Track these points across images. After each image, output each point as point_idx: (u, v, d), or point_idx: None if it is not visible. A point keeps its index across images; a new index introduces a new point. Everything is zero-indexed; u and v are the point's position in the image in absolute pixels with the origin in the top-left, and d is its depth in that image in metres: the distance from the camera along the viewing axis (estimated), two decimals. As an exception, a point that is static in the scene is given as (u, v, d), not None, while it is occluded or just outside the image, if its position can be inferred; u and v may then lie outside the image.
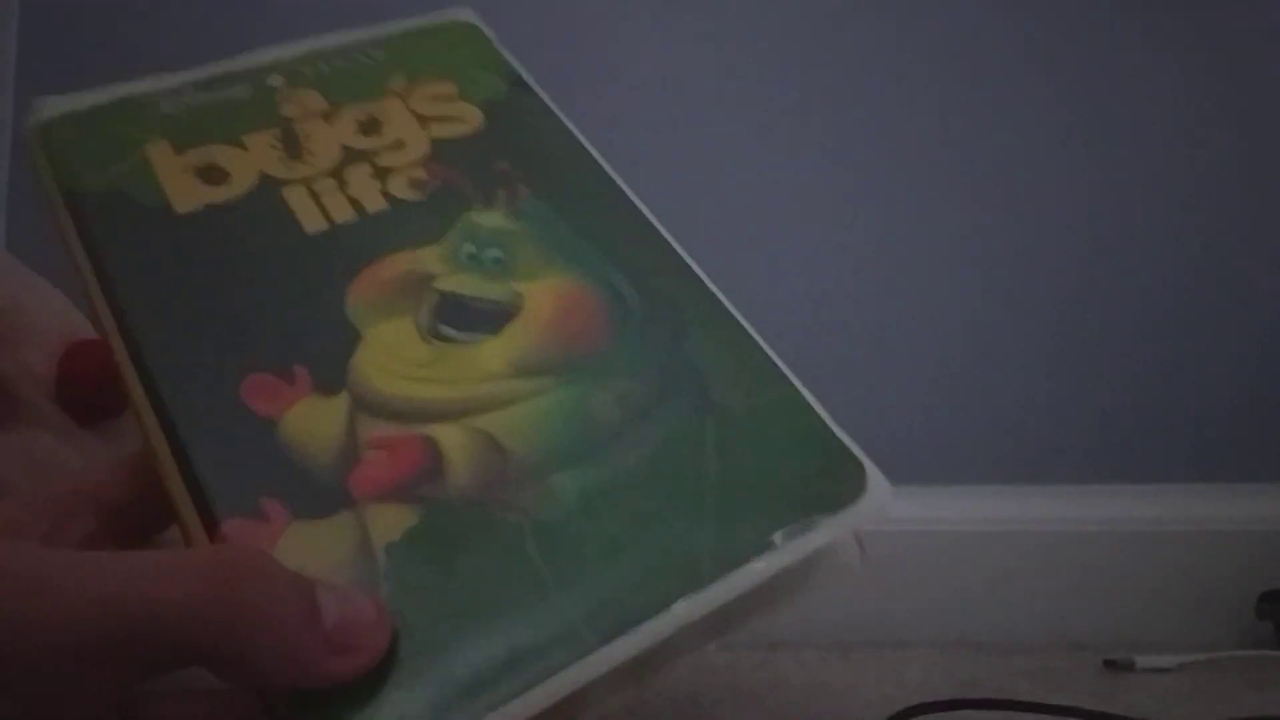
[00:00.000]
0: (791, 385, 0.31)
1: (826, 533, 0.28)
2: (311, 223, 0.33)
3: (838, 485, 0.28)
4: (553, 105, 0.38)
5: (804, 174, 0.84)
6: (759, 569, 0.27)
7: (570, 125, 0.37)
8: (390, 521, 0.26)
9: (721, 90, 0.83)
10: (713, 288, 0.33)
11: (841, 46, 0.84)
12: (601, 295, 0.32)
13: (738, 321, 0.32)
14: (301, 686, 0.22)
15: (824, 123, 0.84)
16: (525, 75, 0.38)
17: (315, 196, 0.33)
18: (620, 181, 0.36)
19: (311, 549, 0.25)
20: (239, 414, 0.28)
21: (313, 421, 0.28)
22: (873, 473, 0.29)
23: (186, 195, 0.33)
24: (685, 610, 0.25)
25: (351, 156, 0.34)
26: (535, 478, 0.28)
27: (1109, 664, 0.79)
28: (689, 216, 0.81)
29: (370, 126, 0.36)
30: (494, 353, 0.30)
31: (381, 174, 0.34)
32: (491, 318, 0.31)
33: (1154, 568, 0.83)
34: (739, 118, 0.84)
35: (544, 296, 0.32)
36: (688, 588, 0.26)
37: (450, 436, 0.28)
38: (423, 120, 0.36)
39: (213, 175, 0.33)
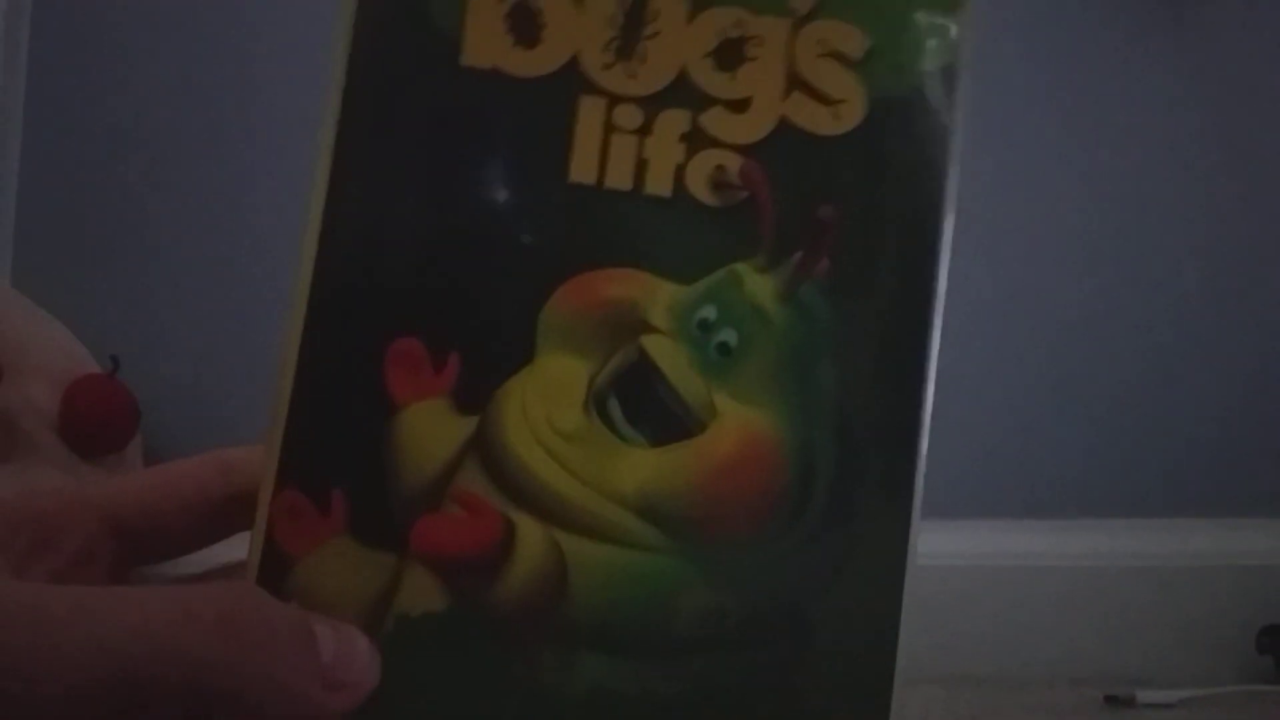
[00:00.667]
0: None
1: None
2: (582, 167, 0.26)
3: None
4: (958, 140, 0.27)
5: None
6: None
7: (954, 189, 0.27)
8: (420, 593, 0.25)
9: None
10: (913, 518, 0.28)
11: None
12: (790, 473, 0.26)
13: (898, 581, 0.27)
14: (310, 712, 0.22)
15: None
16: (964, 66, 0.27)
17: (608, 129, 0.26)
18: (937, 312, 0.26)
19: (342, 572, 0.24)
20: (367, 376, 0.25)
21: (431, 430, 0.25)
22: None
23: (483, 43, 0.26)
24: None
25: (680, 93, 0.26)
26: (569, 640, 0.25)
27: (1110, 699, 0.78)
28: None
29: (730, 54, 0.26)
30: (637, 469, 0.25)
31: (692, 141, 0.26)
32: (666, 423, 0.26)
33: (1155, 603, 0.83)
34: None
35: (733, 431, 0.26)
36: None
37: (531, 536, 0.25)
38: (793, 82, 0.26)
39: (525, 27, 0.26)
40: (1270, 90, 0.86)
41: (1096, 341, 0.86)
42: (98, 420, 0.69)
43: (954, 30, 0.26)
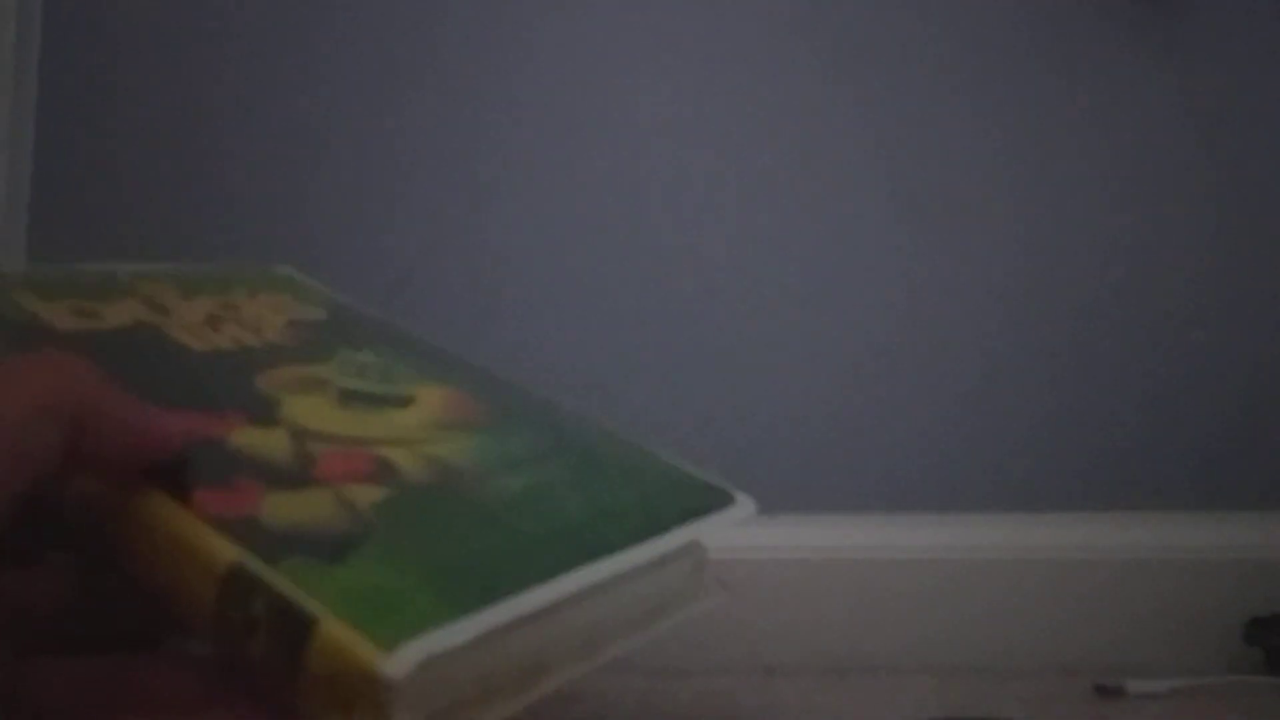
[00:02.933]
0: (659, 451, 0.38)
1: (713, 524, 0.35)
2: (198, 345, 0.37)
3: (711, 501, 0.36)
4: (379, 316, 0.44)
5: (813, 203, 0.86)
6: (673, 538, 0.33)
7: (400, 326, 0.44)
8: (364, 493, 0.30)
9: (744, 119, 0.85)
10: (544, 397, 0.40)
11: (853, 86, 0.86)
12: (479, 397, 0.39)
13: (592, 418, 0.39)
14: (158, 446, 0.27)
15: (834, 150, 0.86)
16: (343, 300, 0.45)
17: (192, 332, 0.38)
18: (456, 353, 0.43)
19: (296, 506, 0.29)
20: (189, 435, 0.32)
21: (258, 438, 0.32)
22: (741, 496, 0.37)
23: (63, 320, 0.36)
24: (629, 557, 0.31)
25: (218, 319, 0.39)
26: (482, 478, 0.33)
27: (1100, 689, 0.80)
28: (690, 239, 0.83)
29: (228, 306, 0.41)
30: (406, 418, 0.36)
31: (251, 327, 0.39)
32: (392, 402, 0.37)
33: (1145, 594, 0.84)
34: (756, 147, 0.86)
35: (432, 395, 0.38)
36: (628, 541, 0.31)
37: (397, 454, 0.33)
38: (275, 309, 0.42)
39: (86, 312, 0.37)
40: (1262, 91, 0.87)
41: (1092, 338, 0.87)
42: None
43: None
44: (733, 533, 0.35)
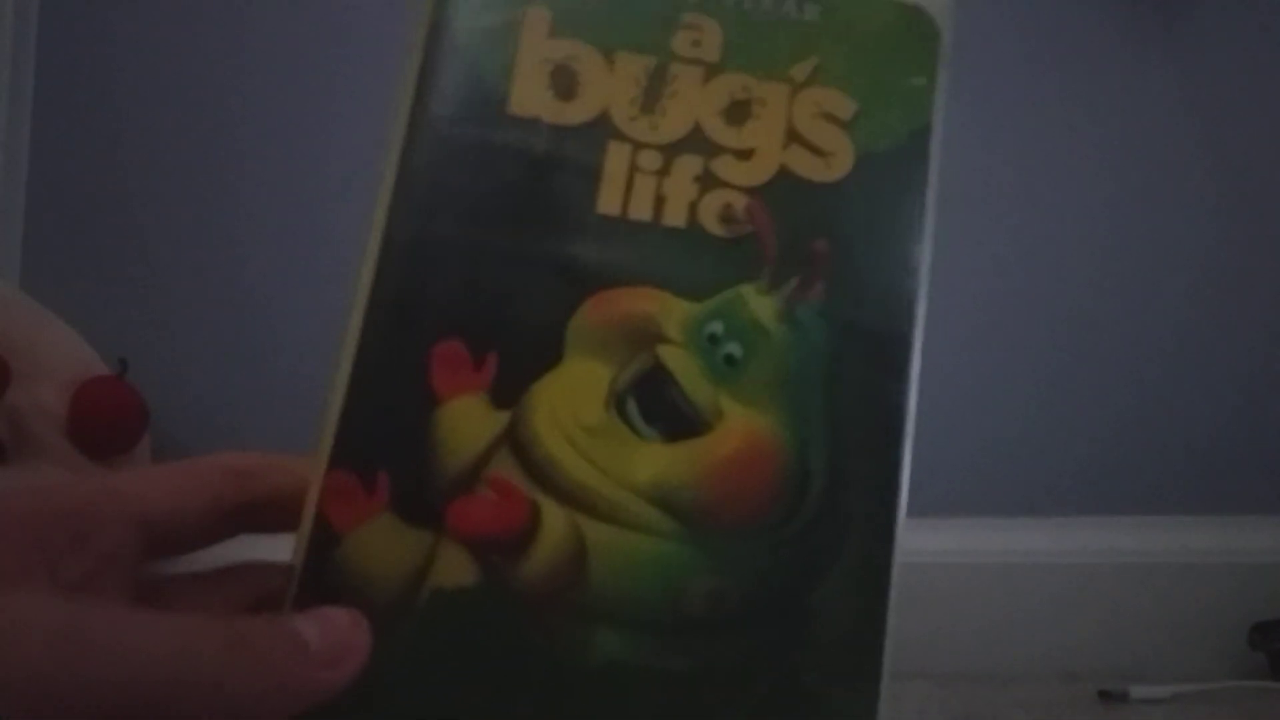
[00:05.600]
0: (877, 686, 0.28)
1: None
2: (609, 201, 0.30)
3: None
4: (934, 188, 0.31)
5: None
6: None
7: (929, 228, 0.31)
8: (454, 568, 0.27)
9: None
10: (898, 515, 0.30)
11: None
12: (788, 470, 0.29)
13: (886, 572, 0.29)
14: (304, 706, 0.25)
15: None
16: (936, 127, 0.31)
17: (632, 169, 0.30)
18: (917, 330, 0.32)
19: (384, 547, 0.27)
20: (415, 372, 0.28)
21: (469, 421, 0.28)
22: None
23: (528, 96, 0.30)
24: None
25: (695, 142, 0.30)
26: (587, 616, 0.27)
27: (1104, 695, 0.79)
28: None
29: (739, 112, 0.31)
30: (651, 462, 0.28)
31: (705, 182, 0.30)
32: (678, 422, 0.29)
33: (1148, 599, 0.84)
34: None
35: (737, 431, 0.29)
36: None
37: (554, 519, 0.28)
38: (791, 137, 0.31)
39: (563, 83, 0.30)
40: (1261, 93, 0.86)
41: (1092, 341, 0.87)
42: (106, 422, 0.70)
43: (928, 97, 0.31)
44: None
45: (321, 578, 0.27)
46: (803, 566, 0.28)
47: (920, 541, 0.83)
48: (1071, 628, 0.83)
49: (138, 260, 0.84)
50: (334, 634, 0.26)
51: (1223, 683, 0.80)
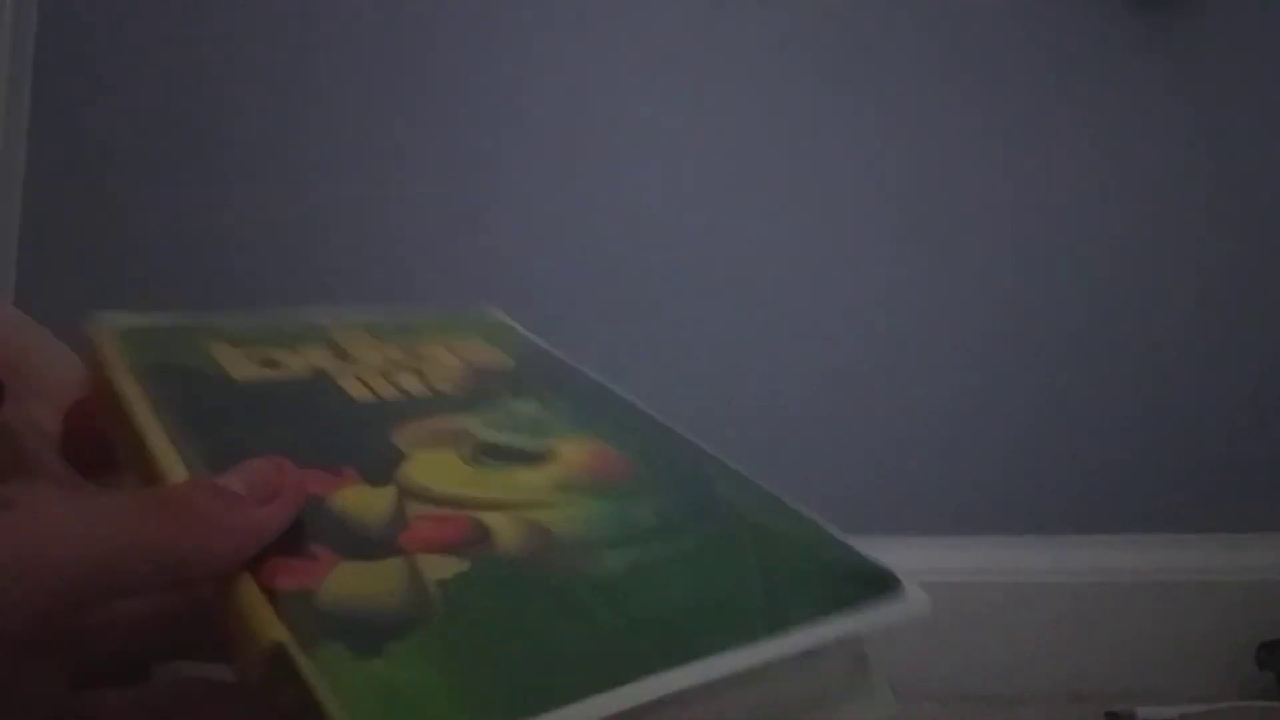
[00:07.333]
0: (819, 522, 0.33)
1: (869, 620, 0.29)
2: (360, 395, 0.37)
3: (873, 589, 0.30)
4: (572, 362, 0.42)
5: (802, 235, 0.85)
6: (805, 637, 0.27)
7: (590, 374, 0.41)
8: (441, 565, 0.28)
9: (730, 158, 0.85)
10: (727, 462, 0.35)
11: (852, 95, 0.85)
12: (628, 453, 0.35)
13: (754, 481, 0.34)
14: (255, 547, 0.27)
15: (835, 158, 0.85)
16: (543, 347, 0.44)
17: (364, 382, 0.38)
18: (640, 404, 0.40)
19: (360, 580, 0.27)
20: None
21: (362, 499, 0.30)
22: (911, 587, 0.30)
23: (244, 371, 0.38)
24: (737, 659, 0.26)
25: (397, 366, 0.40)
26: (584, 552, 0.29)
27: (1111, 715, 0.79)
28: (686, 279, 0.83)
29: (413, 354, 0.41)
30: (534, 477, 0.33)
31: (424, 375, 0.39)
32: (527, 458, 0.34)
33: (1155, 618, 0.83)
34: (755, 156, 0.85)
35: (575, 450, 0.35)
36: (740, 640, 0.26)
37: (497, 520, 0.30)
38: (460, 354, 0.42)
39: (268, 363, 0.38)
40: (1261, 99, 0.86)
41: (1097, 360, 0.86)
42: (99, 440, 0.69)
43: None
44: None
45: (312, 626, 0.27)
46: (692, 485, 0.34)
47: (921, 560, 0.83)
48: (1078, 647, 0.82)
49: (133, 273, 0.83)
50: (257, 475, 0.28)
51: (1230, 702, 0.79)
